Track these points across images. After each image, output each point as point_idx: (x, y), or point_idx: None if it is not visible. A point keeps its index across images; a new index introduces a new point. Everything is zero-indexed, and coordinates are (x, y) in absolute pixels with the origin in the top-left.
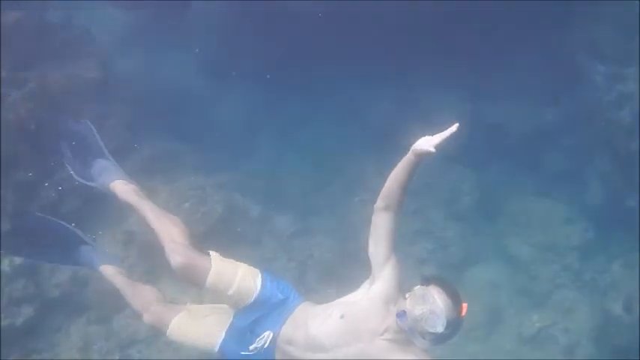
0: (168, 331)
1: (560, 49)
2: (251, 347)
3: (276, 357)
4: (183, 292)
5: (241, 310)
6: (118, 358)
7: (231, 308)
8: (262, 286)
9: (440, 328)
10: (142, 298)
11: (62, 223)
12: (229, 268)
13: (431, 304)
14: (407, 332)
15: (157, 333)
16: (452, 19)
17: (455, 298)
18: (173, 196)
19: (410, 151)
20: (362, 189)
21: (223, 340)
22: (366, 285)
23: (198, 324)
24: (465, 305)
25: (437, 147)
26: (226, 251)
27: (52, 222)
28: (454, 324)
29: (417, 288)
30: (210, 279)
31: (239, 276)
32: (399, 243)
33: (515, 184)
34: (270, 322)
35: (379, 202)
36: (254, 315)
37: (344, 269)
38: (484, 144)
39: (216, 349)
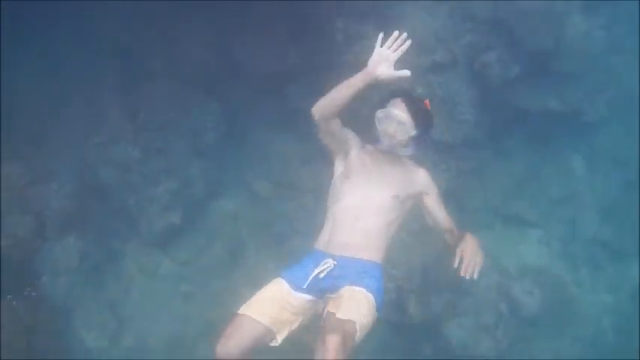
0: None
1: None
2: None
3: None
4: None
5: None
6: None
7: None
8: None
9: (413, 131)
10: None
11: None
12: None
13: (394, 118)
14: (391, 150)
15: None
16: None
17: (413, 101)
18: None
19: (364, 70)
20: (103, 131)
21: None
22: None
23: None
24: (426, 101)
25: (387, 77)
26: None
27: None
28: (424, 119)
29: (378, 112)
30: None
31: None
32: None
33: (260, 117)
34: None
35: (319, 110)
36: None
37: (86, 216)
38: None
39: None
